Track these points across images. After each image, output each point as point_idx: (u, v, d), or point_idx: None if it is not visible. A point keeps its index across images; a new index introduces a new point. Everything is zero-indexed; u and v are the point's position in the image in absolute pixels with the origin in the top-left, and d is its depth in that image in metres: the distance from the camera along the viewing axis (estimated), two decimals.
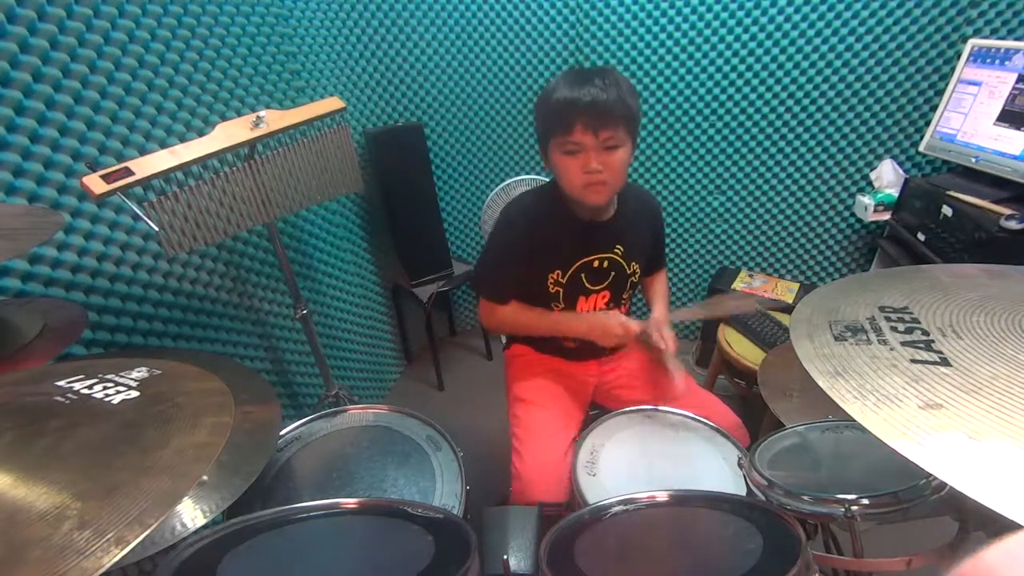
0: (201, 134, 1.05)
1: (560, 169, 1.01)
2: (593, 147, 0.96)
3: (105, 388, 0.48)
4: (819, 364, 0.48)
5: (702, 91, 1.85)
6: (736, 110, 1.86)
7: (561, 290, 1.14)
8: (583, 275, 1.13)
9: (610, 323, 1.09)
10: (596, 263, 1.13)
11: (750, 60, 1.77)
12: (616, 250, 1.13)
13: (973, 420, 0.38)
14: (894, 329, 0.51)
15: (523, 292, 1.16)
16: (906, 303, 0.55)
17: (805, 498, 0.73)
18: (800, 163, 1.92)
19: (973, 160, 1.50)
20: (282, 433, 0.98)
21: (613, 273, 1.15)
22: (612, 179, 0.99)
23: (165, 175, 0.96)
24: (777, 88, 1.79)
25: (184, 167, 0.97)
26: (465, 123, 2.08)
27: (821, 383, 0.46)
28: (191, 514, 0.64)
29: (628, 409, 1.10)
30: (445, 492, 0.85)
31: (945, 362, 0.45)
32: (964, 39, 1.59)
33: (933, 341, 0.48)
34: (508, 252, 1.12)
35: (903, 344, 0.48)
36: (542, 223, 1.09)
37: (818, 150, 1.88)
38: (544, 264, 1.11)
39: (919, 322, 0.51)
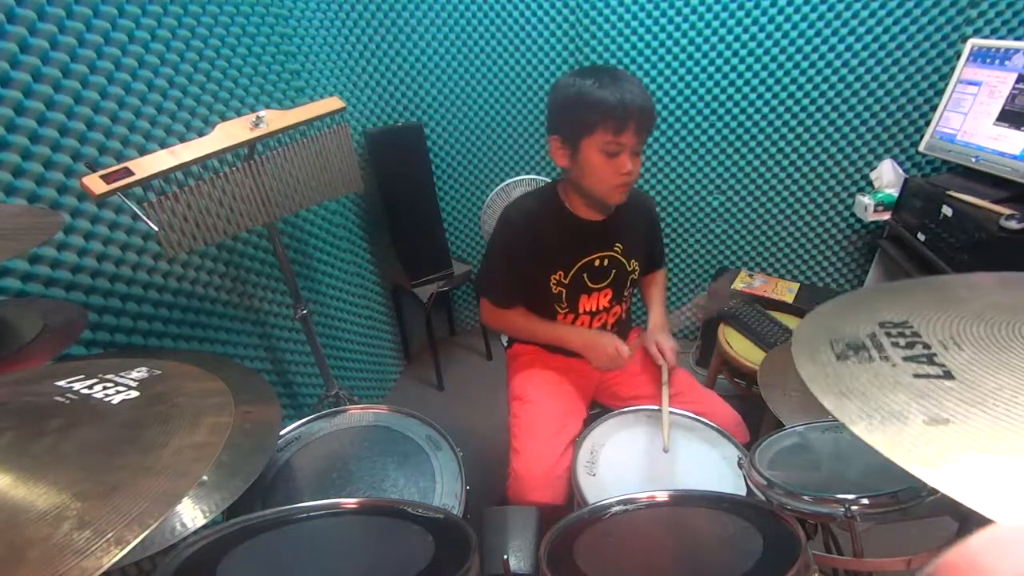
0: (201, 134, 1.05)
1: (594, 168, 1.00)
2: (631, 149, 0.98)
3: (105, 388, 0.48)
4: (823, 384, 0.47)
5: (702, 91, 1.85)
6: (736, 110, 1.86)
7: (564, 290, 1.14)
8: (585, 274, 1.13)
9: (605, 344, 1.10)
10: (597, 262, 1.13)
11: (750, 60, 1.76)
12: (616, 248, 1.14)
13: (981, 433, 0.38)
14: (895, 344, 0.50)
15: (527, 293, 1.16)
16: (906, 317, 0.54)
17: (805, 498, 0.73)
18: (800, 163, 1.92)
19: (973, 160, 1.50)
20: (282, 433, 0.98)
21: (614, 271, 1.16)
22: (634, 181, 1.03)
23: (165, 175, 0.96)
24: (777, 88, 1.79)
25: (184, 167, 0.97)
26: (465, 123, 2.08)
27: (827, 404, 0.45)
28: (191, 514, 0.64)
29: (628, 409, 1.10)
30: (445, 492, 0.86)
31: (948, 375, 0.44)
32: (964, 39, 1.59)
33: (935, 354, 0.47)
34: (509, 255, 1.13)
35: (905, 359, 0.47)
36: (542, 225, 1.10)
37: (818, 150, 1.88)
38: (546, 265, 1.12)
39: (920, 336, 0.50)
